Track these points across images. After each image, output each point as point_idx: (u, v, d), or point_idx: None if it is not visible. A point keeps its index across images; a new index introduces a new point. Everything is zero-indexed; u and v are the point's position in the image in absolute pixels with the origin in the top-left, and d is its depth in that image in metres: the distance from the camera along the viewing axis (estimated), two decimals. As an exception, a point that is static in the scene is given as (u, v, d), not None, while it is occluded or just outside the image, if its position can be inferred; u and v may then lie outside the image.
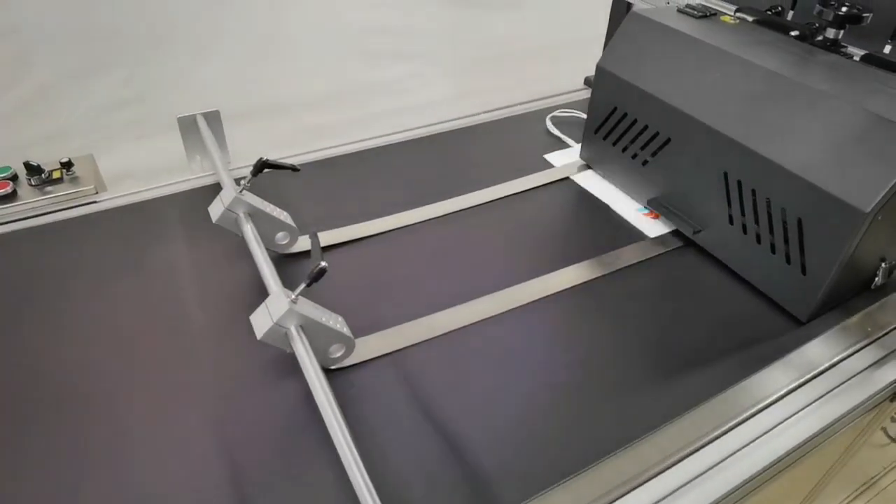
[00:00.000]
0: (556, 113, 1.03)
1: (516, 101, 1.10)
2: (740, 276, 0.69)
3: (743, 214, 0.66)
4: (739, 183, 0.65)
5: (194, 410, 0.54)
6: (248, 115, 1.03)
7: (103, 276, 0.68)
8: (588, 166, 0.88)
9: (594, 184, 0.85)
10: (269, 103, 1.20)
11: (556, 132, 0.97)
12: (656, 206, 0.77)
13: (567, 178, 0.87)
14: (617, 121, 0.79)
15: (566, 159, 0.91)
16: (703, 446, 0.52)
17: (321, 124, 1.25)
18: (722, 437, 0.53)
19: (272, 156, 0.88)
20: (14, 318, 0.63)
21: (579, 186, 0.85)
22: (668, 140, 0.73)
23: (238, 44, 1.19)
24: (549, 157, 0.92)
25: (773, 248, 0.64)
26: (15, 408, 0.54)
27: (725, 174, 0.67)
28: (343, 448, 0.44)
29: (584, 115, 0.87)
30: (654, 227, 0.77)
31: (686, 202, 0.73)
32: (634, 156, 0.78)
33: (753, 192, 0.64)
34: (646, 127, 0.75)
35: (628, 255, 0.73)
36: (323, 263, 0.50)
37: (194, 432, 0.52)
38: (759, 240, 0.65)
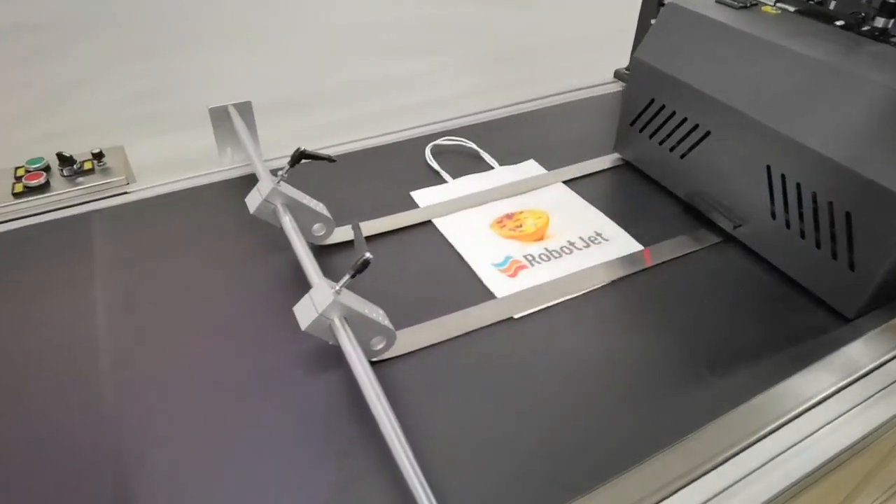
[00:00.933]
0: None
1: (541, 94, 1.09)
2: (782, 271, 0.68)
3: (786, 209, 0.65)
4: (783, 176, 0.64)
5: (232, 404, 0.53)
6: (267, 110, 1.02)
7: (137, 268, 0.67)
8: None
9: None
10: (287, 98, 1.20)
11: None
12: (694, 200, 0.75)
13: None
14: (654, 113, 0.78)
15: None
16: (740, 451, 0.51)
17: (335, 120, 1.25)
18: (761, 442, 0.52)
19: (290, 149, 0.88)
20: (49, 307, 0.63)
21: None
22: (708, 133, 0.71)
23: (258, 37, 1.18)
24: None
25: (818, 244, 0.63)
26: (57, 394, 0.54)
27: (769, 167, 0.65)
28: (392, 439, 0.43)
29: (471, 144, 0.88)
30: (505, 286, 0.66)
31: (725, 196, 0.72)
32: (672, 149, 0.77)
33: (798, 185, 0.63)
34: (685, 119, 0.74)
35: (666, 252, 0.71)
36: (367, 254, 0.50)
37: (234, 425, 0.52)
38: (803, 235, 0.64)
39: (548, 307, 0.64)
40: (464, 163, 0.88)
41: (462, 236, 0.73)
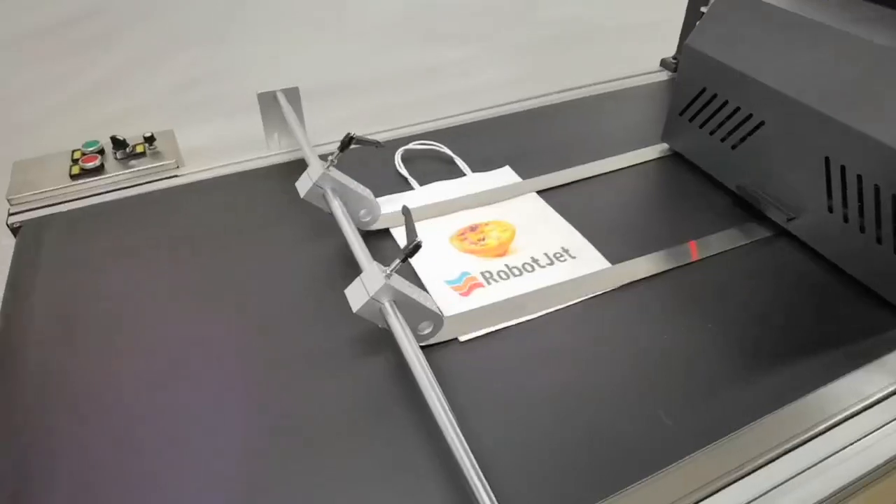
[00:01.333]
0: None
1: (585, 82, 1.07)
2: (838, 267, 0.66)
3: (845, 203, 0.63)
4: (843, 168, 0.62)
5: (281, 385, 0.54)
6: (310, 96, 1.03)
7: (186, 251, 0.69)
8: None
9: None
10: (333, 84, 1.21)
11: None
12: (745, 193, 0.74)
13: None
14: (705, 102, 0.76)
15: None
16: (790, 450, 0.49)
17: (377, 106, 1.25)
18: (811, 442, 0.50)
19: (340, 135, 0.88)
20: (102, 287, 0.64)
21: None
22: (762, 123, 0.70)
23: (302, 23, 1.19)
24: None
25: (878, 239, 0.61)
26: (103, 366, 0.56)
27: (827, 159, 0.63)
28: (443, 421, 0.44)
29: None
30: (455, 305, 0.62)
31: (778, 188, 0.70)
32: (723, 139, 0.75)
33: (859, 178, 0.61)
34: (737, 109, 0.72)
35: (714, 245, 0.70)
36: (418, 239, 0.50)
37: (286, 405, 0.53)
38: (862, 229, 0.62)
39: (591, 297, 0.63)
40: (437, 168, 0.83)
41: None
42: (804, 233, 0.69)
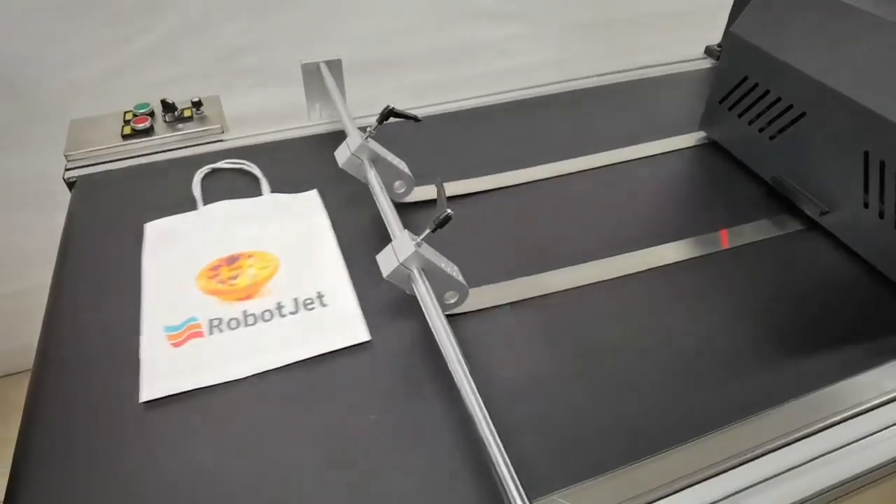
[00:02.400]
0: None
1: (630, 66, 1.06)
2: (870, 263, 0.65)
3: (881, 198, 0.62)
4: (882, 164, 0.61)
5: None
6: (353, 71, 1.06)
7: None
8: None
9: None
10: (374, 59, 1.22)
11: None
12: (780, 185, 0.73)
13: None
14: (746, 91, 0.76)
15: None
16: (805, 436, 0.50)
17: (423, 83, 1.27)
18: (828, 430, 0.51)
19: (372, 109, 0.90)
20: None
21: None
22: (803, 114, 0.69)
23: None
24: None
25: (913, 236, 0.60)
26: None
27: (866, 153, 0.62)
28: (465, 385, 0.46)
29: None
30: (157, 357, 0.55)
31: (814, 181, 0.69)
32: (762, 129, 0.75)
33: (899, 174, 0.60)
34: (778, 99, 0.71)
35: (745, 235, 0.70)
36: (448, 211, 0.52)
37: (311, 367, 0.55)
38: (897, 226, 0.62)
39: (613, 278, 0.63)
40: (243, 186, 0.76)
41: (158, 286, 0.61)
42: (837, 227, 0.68)
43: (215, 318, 0.58)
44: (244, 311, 0.59)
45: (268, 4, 1.14)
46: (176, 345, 0.55)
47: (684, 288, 0.64)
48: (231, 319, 0.58)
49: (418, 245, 0.52)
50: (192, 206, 0.72)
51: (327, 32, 1.19)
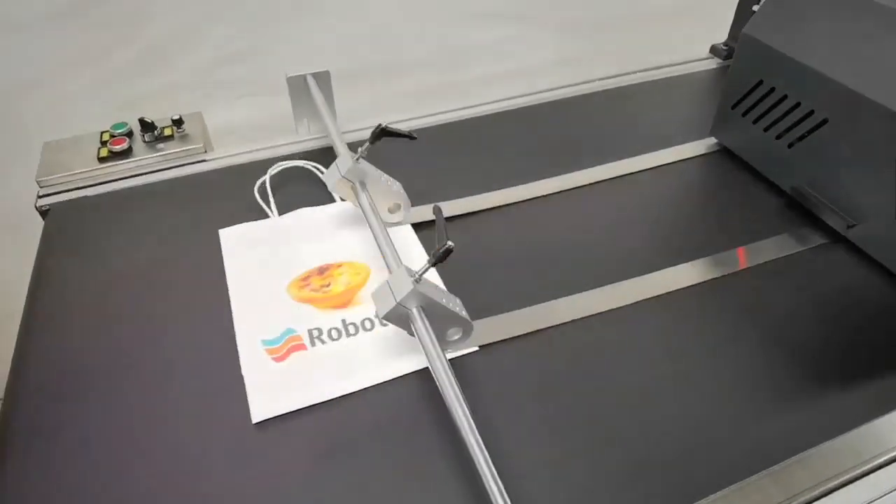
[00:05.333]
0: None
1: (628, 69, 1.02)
2: (902, 280, 0.61)
3: (915, 211, 0.58)
4: (915, 174, 0.57)
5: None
6: (347, 76, 1.01)
7: (212, 239, 0.67)
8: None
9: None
10: (370, 64, 1.18)
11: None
12: (800, 195, 0.69)
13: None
14: (761, 96, 0.71)
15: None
16: (845, 483, 0.46)
17: (419, 88, 1.22)
18: (873, 474, 0.46)
19: (376, 120, 0.85)
20: (127, 273, 0.63)
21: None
22: (825, 121, 0.64)
23: (340, 1, 1.16)
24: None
25: (951, 252, 0.56)
26: (114, 370, 0.54)
27: (898, 163, 0.58)
28: (468, 434, 0.42)
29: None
30: (261, 375, 0.52)
31: (839, 192, 0.65)
32: (779, 136, 0.70)
33: (933, 186, 0.56)
34: (797, 104, 0.67)
35: (764, 252, 0.65)
36: (449, 243, 0.47)
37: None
38: (933, 241, 0.57)
39: (623, 306, 0.59)
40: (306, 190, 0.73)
41: (247, 295, 0.58)
42: (865, 241, 0.64)
43: (314, 329, 0.56)
44: (343, 320, 0.56)
45: (255, 12, 1.09)
46: (278, 359, 0.53)
47: (699, 316, 0.59)
48: (331, 329, 0.56)
49: (417, 281, 0.48)
50: (177, 232, 0.68)
51: (317, 39, 1.14)
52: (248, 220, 0.69)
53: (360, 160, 0.62)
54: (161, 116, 0.83)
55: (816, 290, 0.61)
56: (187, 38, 1.07)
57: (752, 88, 0.72)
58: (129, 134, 0.81)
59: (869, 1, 0.62)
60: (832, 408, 0.51)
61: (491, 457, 0.41)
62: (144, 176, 0.77)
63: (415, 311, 0.48)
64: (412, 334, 0.49)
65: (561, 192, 0.73)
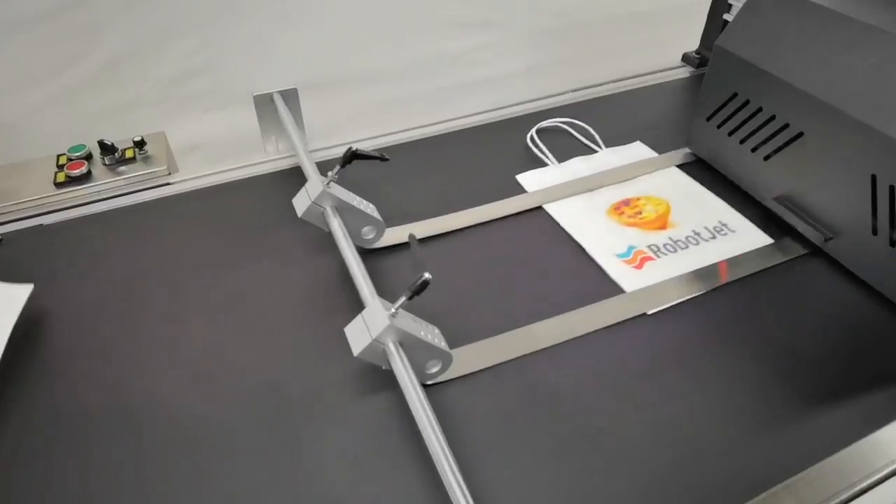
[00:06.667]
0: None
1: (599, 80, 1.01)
2: (883, 294, 0.60)
3: (893, 225, 0.58)
4: (892, 189, 0.56)
5: (276, 423, 0.50)
6: (315, 88, 0.98)
7: (176, 269, 0.64)
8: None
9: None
10: (338, 76, 1.15)
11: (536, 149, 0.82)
12: (778, 208, 0.68)
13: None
14: (736, 108, 0.70)
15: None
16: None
17: (389, 98, 1.20)
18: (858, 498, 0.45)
19: (347, 135, 0.83)
20: (86, 305, 0.60)
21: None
22: (801, 134, 0.64)
23: (306, 12, 1.13)
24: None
25: (929, 266, 0.56)
26: (81, 413, 0.51)
27: (874, 177, 0.58)
28: (448, 476, 0.39)
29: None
30: (633, 280, 0.63)
31: (816, 205, 0.64)
32: (754, 149, 0.70)
33: (910, 199, 0.56)
34: (773, 117, 0.66)
35: (746, 265, 0.65)
36: (426, 275, 0.45)
37: (280, 448, 0.48)
38: (910, 255, 0.57)
39: (602, 328, 0.58)
40: (564, 145, 0.83)
41: (579, 224, 0.69)
42: (843, 255, 0.63)
43: (652, 244, 0.66)
44: (670, 238, 0.67)
45: (219, 22, 1.06)
46: (636, 268, 0.63)
47: (683, 335, 0.58)
48: (665, 244, 0.66)
49: (393, 315, 0.46)
50: (140, 261, 0.65)
51: (283, 50, 1.11)
52: (213, 247, 0.66)
53: (331, 184, 0.60)
54: (122, 135, 0.79)
55: (799, 304, 0.61)
56: (148, 51, 1.03)
57: (726, 101, 0.71)
58: (88, 157, 0.77)
59: (841, 14, 0.62)
60: (821, 427, 0.50)
61: (471, 493, 0.39)
62: (106, 202, 0.73)
63: (391, 345, 0.46)
64: (388, 369, 0.47)
65: (535, 208, 0.72)
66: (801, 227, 0.66)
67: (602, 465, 0.47)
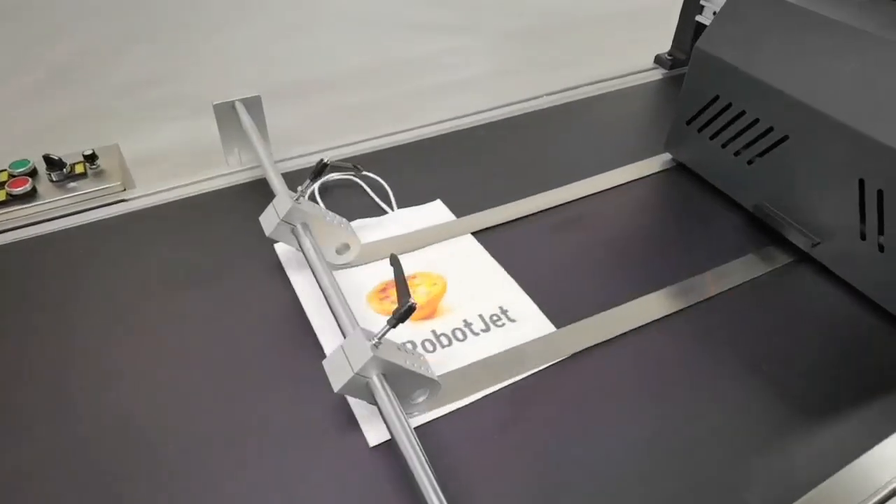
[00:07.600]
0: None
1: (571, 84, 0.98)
2: (873, 300, 0.59)
3: (881, 230, 0.56)
4: (881, 193, 0.55)
5: (234, 464, 0.46)
6: (281, 94, 0.93)
7: (133, 292, 0.59)
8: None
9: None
10: (303, 80, 1.11)
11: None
12: (763, 214, 0.67)
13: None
14: (717, 112, 0.69)
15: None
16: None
17: (357, 103, 1.16)
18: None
19: (314, 142, 0.78)
20: (31, 338, 0.55)
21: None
22: (785, 137, 0.63)
23: (270, 14, 1.09)
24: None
25: (920, 271, 0.55)
26: (39, 438, 0.46)
27: (861, 181, 0.57)
28: None
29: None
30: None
31: (803, 210, 0.63)
32: (737, 153, 0.68)
33: (899, 204, 0.54)
34: (756, 121, 0.65)
35: (733, 276, 0.63)
36: (412, 301, 0.41)
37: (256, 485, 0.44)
38: (900, 260, 0.56)
39: (591, 346, 0.55)
40: (356, 202, 0.71)
41: (323, 311, 0.56)
42: (831, 260, 0.62)
43: (407, 342, 0.54)
44: (433, 331, 0.55)
45: (176, 27, 1.00)
46: None
47: (670, 353, 0.55)
48: (425, 341, 0.54)
49: (376, 346, 0.42)
50: (92, 286, 0.59)
51: (246, 54, 1.07)
52: (181, 268, 0.61)
53: (301, 200, 0.55)
54: (71, 148, 0.73)
55: (787, 315, 0.59)
56: (103, 57, 0.97)
57: (708, 104, 0.70)
58: (33, 173, 0.71)
59: (821, 16, 0.61)
60: (821, 445, 0.48)
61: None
62: (54, 222, 0.67)
63: (375, 378, 0.43)
64: (373, 403, 0.43)
65: (506, 223, 0.68)
66: (788, 231, 0.65)
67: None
